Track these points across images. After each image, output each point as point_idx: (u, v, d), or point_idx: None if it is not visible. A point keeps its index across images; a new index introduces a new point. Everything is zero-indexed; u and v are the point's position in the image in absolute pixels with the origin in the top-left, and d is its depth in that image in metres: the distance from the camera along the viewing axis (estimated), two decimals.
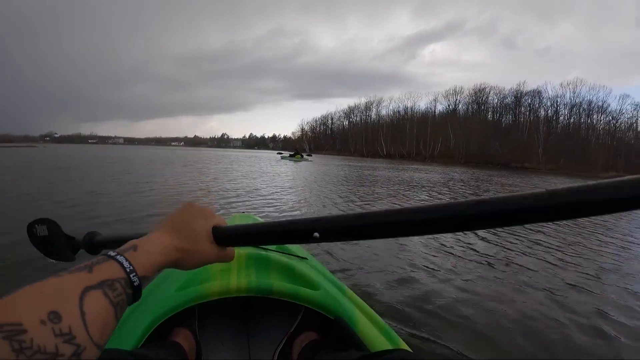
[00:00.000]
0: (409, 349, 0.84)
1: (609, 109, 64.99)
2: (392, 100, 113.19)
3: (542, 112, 72.05)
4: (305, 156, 39.10)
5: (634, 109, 63.53)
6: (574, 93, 68.66)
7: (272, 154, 50.20)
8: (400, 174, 21.58)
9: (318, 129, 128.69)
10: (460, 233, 5.44)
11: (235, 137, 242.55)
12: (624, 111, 63.90)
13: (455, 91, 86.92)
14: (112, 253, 0.40)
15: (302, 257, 1.34)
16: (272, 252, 1.24)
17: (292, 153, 38.31)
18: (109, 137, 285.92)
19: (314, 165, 26.35)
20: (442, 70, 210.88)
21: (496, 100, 79.75)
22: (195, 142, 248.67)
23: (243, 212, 2.82)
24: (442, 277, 3.54)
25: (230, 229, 0.51)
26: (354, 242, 5.01)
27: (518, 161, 60.57)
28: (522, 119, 73.95)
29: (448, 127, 76.49)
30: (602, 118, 65.55)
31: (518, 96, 75.61)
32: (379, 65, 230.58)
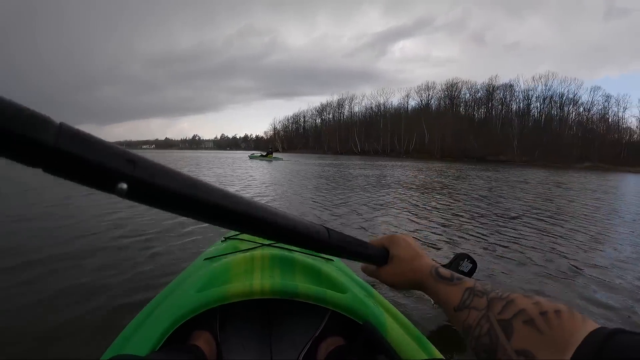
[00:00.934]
0: (444, 358, 0.82)
1: (580, 100, 66.64)
2: (364, 97, 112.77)
3: (515, 106, 72.69)
4: (275, 155, 37.76)
5: (605, 101, 65.45)
6: (545, 86, 69.82)
7: (245, 155, 47.63)
8: (391, 172, 19.48)
9: (290, 127, 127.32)
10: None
11: (207, 138, 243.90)
12: (595, 103, 65.65)
13: (428, 86, 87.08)
14: None
15: (329, 259, 1.28)
16: (296, 253, 1.20)
17: (264, 153, 36.36)
18: None
19: (292, 165, 23.98)
20: (413, 67, 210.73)
21: (468, 94, 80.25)
22: (167, 144, 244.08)
23: None
24: None
25: None
26: None
27: (494, 154, 60.78)
28: (494, 113, 74.60)
29: (422, 122, 76.38)
30: (574, 110, 66.95)
31: (490, 90, 76.12)
32: (349, 63, 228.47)
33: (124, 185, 0.29)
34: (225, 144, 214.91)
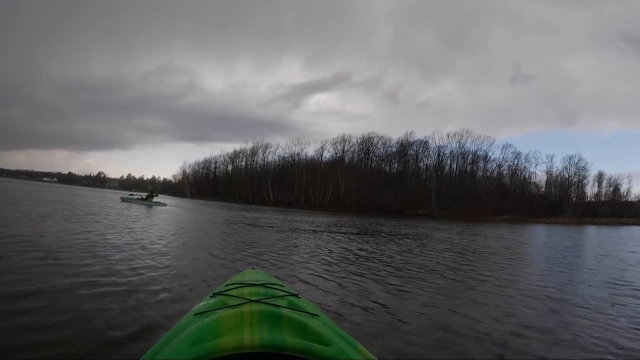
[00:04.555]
0: None
1: (493, 156, 68.84)
2: (278, 146, 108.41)
3: (430, 161, 73.52)
4: (155, 199, 29.14)
5: (515, 157, 68.50)
6: (459, 143, 71.41)
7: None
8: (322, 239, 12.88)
9: (200, 173, 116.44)
10: None
11: (113, 177, 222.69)
12: (506, 159, 68.25)
13: (344, 139, 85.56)
14: None
15: (313, 314, 1.33)
16: (283, 309, 1.27)
17: (143, 195, 29.83)
18: None
19: (182, 216, 18.28)
20: (326, 120, 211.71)
21: (382, 150, 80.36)
22: (69, 179, 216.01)
23: (252, 268, 2.48)
24: None
25: None
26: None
27: (411, 208, 58.88)
28: (410, 168, 74.92)
29: (338, 174, 73.75)
30: (487, 166, 68.69)
31: (405, 145, 76.71)
32: (264, 112, 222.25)
33: None
34: (132, 184, 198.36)
